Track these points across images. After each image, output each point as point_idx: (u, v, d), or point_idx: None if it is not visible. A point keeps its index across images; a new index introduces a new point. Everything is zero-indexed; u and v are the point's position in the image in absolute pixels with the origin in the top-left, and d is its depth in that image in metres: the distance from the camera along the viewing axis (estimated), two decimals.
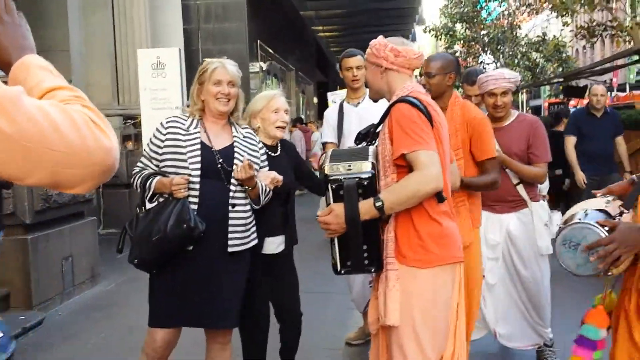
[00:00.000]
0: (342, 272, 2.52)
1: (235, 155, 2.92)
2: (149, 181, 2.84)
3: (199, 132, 2.90)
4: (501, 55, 21.91)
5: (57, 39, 8.21)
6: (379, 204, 2.31)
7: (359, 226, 2.36)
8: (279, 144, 3.38)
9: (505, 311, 3.94)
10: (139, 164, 2.98)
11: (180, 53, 8.58)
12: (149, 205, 2.89)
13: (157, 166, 2.91)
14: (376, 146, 2.58)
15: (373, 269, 2.51)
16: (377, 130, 2.64)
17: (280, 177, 3.04)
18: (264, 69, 15.14)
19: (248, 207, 2.96)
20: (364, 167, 2.40)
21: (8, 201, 4.99)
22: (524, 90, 27.40)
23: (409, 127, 2.34)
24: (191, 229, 2.70)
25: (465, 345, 2.64)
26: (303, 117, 19.53)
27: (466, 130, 3.31)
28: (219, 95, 2.88)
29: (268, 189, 2.99)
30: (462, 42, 23.19)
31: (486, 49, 22.61)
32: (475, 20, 21.83)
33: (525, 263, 3.84)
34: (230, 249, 2.86)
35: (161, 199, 2.85)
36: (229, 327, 3.01)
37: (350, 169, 2.40)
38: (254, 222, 3.03)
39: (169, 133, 2.88)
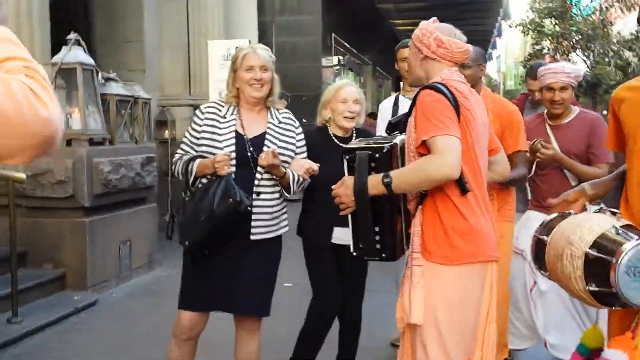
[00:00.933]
0: (355, 253, 2.48)
1: (266, 143, 2.92)
2: (190, 165, 2.88)
3: (234, 119, 2.93)
4: (591, 53, 20.89)
5: (132, 30, 8.46)
6: (387, 179, 2.24)
7: (367, 201, 2.30)
8: (354, 134, 3.34)
9: (558, 320, 3.69)
10: (178, 150, 3.02)
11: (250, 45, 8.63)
12: (193, 190, 2.93)
13: (196, 152, 2.96)
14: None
15: (385, 256, 2.42)
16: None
17: (316, 167, 3.00)
18: (340, 62, 15.08)
19: (276, 196, 2.95)
20: (382, 144, 2.37)
21: (67, 184, 5.17)
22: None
23: (431, 112, 2.24)
24: (237, 203, 2.72)
25: (495, 351, 2.46)
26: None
27: (498, 123, 3.18)
28: (251, 81, 2.89)
29: (301, 179, 2.96)
30: (550, 38, 22.29)
31: (576, 46, 21.61)
32: (565, 16, 20.90)
33: None
34: (252, 237, 2.87)
35: (204, 181, 2.87)
36: (252, 314, 3.02)
37: (367, 145, 2.39)
38: (283, 210, 3.03)
39: (206, 119, 2.94)
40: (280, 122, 3.02)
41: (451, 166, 2.16)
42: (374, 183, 2.27)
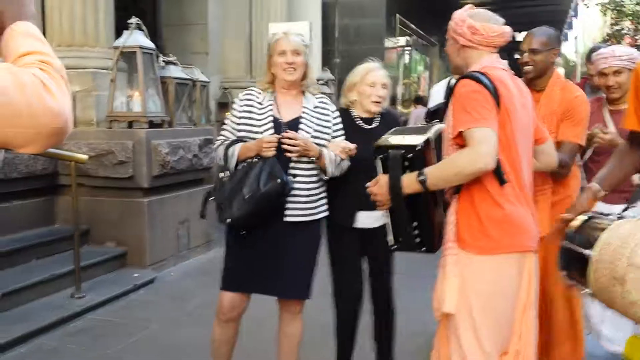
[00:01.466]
0: (395, 247, 2.47)
1: (301, 126, 2.94)
2: (232, 148, 2.93)
3: (271, 104, 2.97)
4: None
5: (195, 13, 8.61)
6: (422, 177, 2.20)
7: (402, 198, 2.28)
8: (379, 116, 3.31)
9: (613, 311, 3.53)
10: (219, 137, 3.06)
11: (310, 27, 8.61)
12: (232, 171, 2.97)
13: (236, 137, 3.00)
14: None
15: (425, 249, 2.40)
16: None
17: (353, 146, 2.98)
18: (408, 42, 14.84)
19: (314, 179, 2.96)
20: (415, 141, 2.31)
21: (127, 165, 5.32)
22: None
23: (468, 103, 2.18)
24: (284, 183, 2.78)
25: (534, 345, 2.38)
26: None
27: (560, 110, 3.06)
28: (284, 65, 2.93)
29: (339, 159, 2.96)
30: (631, 18, 21.22)
31: None
32: None
33: None
34: (287, 219, 2.89)
35: (242, 165, 2.90)
36: (293, 297, 3.05)
37: (400, 142, 2.35)
38: (322, 194, 3.03)
39: (244, 105, 2.98)
40: (316, 107, 3.03)
41: (485, 159, 2.10)
42: (409, 182, 2.24)
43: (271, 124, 2.91)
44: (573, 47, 46.15)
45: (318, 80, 9.73)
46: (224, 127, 3.06)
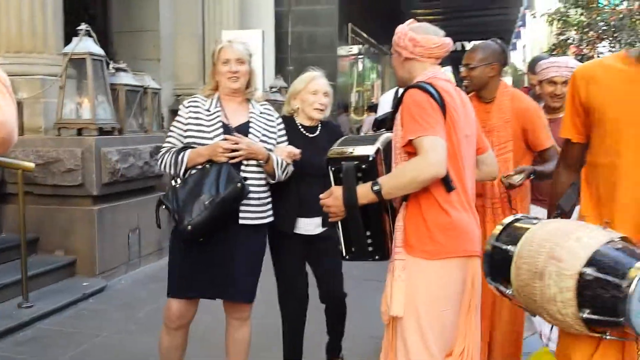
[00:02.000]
0: (347, 257, 2.49)
1: (250, 131, 2.99)
2: (181, 155, 2.92)
3: (219, 111, 3.00)
4: (618, 44, 20.48)
5: (147, 20, 8.55)
6: (376, 187, 2.25)
7: (357, 210, 2.31)
8: (320, 125, 3.39)
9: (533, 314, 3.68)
10: (164, 145, 3.06)
11: (262, 35, 8.67)
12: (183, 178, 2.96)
13: (183, 145, 3.00)
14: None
15: (378, 257, 2.45)
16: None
17: (297, 151, 3.06)
18: (355, 52, 15.02)
19: (263, 182, 3.01)
20: (366, 151, 2.35)
21: (76, 173, 5.27)
22: None
23: (417, 112, 2.26)
24: (243, 186, 2.82)
25: (480, 345, 2.48)
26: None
27: (517, 121, 3.17)
28: (228, 74, 2.97)
29: (285, 163, 3.02)
30: (576, 28, 21.89)
31: (603, 36, 21.20)
32: (591, 5, 20.51)
33: None
34: (242, 221, 2.92)
35: (193, 171, 2.90)
36: (242, 300, 3.07)
37: (352, 153, 2.37)
38: (269, 198, 3.07)
39: (190, 112, 2.99)
40: (261, 113, 3.09)
41: (436, 166, 2.18)
42: (364, 193, 2.28)
43: (221, 130, 2.93)
44: (521, 56, 47.36)
45: (271, 88, 9.80)
46: (170, 134, 3.05)
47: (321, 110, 3.32)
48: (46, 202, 5.44)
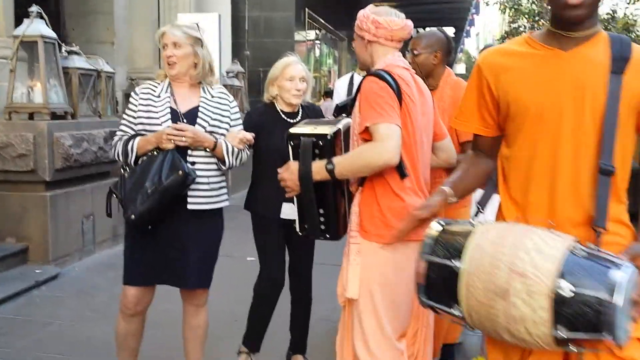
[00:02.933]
0: (301, 233, 2.57)
1: (199, 115, 2.94)
2: (131, 143, 2.89)
3: (168, 96, 2.95)
4: None
5: (101, 2, 8.35)
6: (330, 166, 2.32)
7: (311, 184, 2.38)
8: (300, 109, 3.41)
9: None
10: (117, 132, 3.00)
11: (219, 19, 8.60)
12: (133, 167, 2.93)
13: (134, 132, 2.96)
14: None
15: (328, 237, 2.52)
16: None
17: (250, 136, 3.04)
18: (312, 37, 15.01)
19: (213, 167, 2.97)
20: (326, 131, 2.42)
21: (28, 158, 5.16)
22: None
23: (374, 100, 2.31)
24: (185, 174, 2.78)
25: (432, 327, 2.57)
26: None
27: (455, 108, 3.19)
28: (165, 58, 2.92)
29: (236, 149, 2.99)
30: (527, 16, 22.34)
31: None
32: None
33: None
34: (191, 206, 2.90)
35: (144, 158, 2.88)
36: (197, 286, 3.05)
37: (313, 131, 2.44)
38: (222, 183, 3.05)
39: (141, 99, 2.94)
40: (213, 97, 3.03)
41: (391, 153, 2.24)
42: (318, 169, 2.35)
43: (169, 115, 2.89)
44: (475, 44, 48.08)
45: (228, 72, 9.73)
46: (122, 122, 3.00)
47: (298, 95, 3.34)
48: None
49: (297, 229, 2.57)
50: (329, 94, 14.01)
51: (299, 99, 3.36)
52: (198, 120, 2.92)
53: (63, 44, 5.88)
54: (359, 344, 2.42)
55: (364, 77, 2.43)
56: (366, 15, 2.50)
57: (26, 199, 5.31)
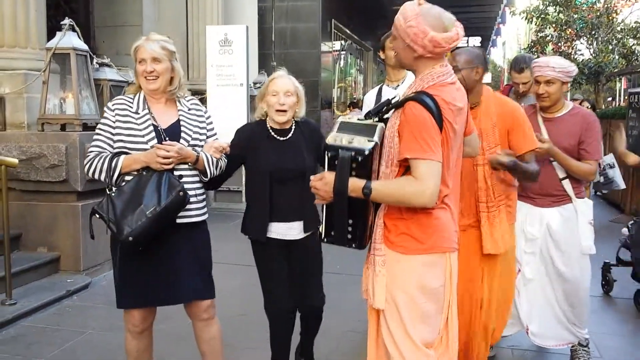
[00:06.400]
0: (325, 240, 2.53)
1: (182, 129, 2.90)
2: (115, 160, 2.77)
3: (147, 113, 2.88)
4: (595, 41, 20.74)
5: (130, 14, 8.49)
6: (366, 191, 2.29)
7: (346, 200, 2.35)
8: (294, 126, 3.25)
9: (540, 309, 3.75)
10: (91, 149, 2.85)
11: (247, 30, 8.65)
12: (118, 186, 2.82)
13: (113, 149, 2.84)
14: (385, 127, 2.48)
15: (354, 246, 2.48)
16: (389, 115, 2.53)
17: (225, 144, 2.99)
18: (342, 47, 15.03)
19: (197, 179, 2.94)
20: (365, 145, 2.36)
21: (60, 168, 5.23)
22: (620, 77, 25.89)
23: (417, 131, 2.25)
24: (185, 194, 2.75)
25: (457, 338, 2.53)
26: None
27: (504, 124, 3.20)
28: (144, 73, 2.84)
29: (215, 159, 2.94)
30: (554, 25, 22.12)
31: (580, 33, 21.45)
32: (569, 3, 20.73)
33: (565, 260, 3.64)
34: (179, 220, 2.84)
35: (128, 177, 2.78)
36: (196, 298, 2.98)
37: (351, 142, 2.39)
38: (204, 194, 3.02)
39: (117, 115, 2.85)
40: (189, 109, 2.98)
41: (430, 196, 2.22)
42: (354, 188, 2.30)
43: (153, 133, 2.82)
44: (501, 53, 47.77)
45: (255, 83, 9.78)
46: (97, 137, 2.85)
47: (283, 111, 3.13)
48: (29, 198, 5.41)
49: (323, 236, 2.52)
50: (354, 104, 14.01)
51: (283, 115, 3.13)
52: (182, 134, 2.87)
53: (94, 56, 5.96)
54: (392, 350, 2.41)
55: (408, 100, 2.33)
56: (422, 30, 2.29)
57: (58, 209, 5.37)
